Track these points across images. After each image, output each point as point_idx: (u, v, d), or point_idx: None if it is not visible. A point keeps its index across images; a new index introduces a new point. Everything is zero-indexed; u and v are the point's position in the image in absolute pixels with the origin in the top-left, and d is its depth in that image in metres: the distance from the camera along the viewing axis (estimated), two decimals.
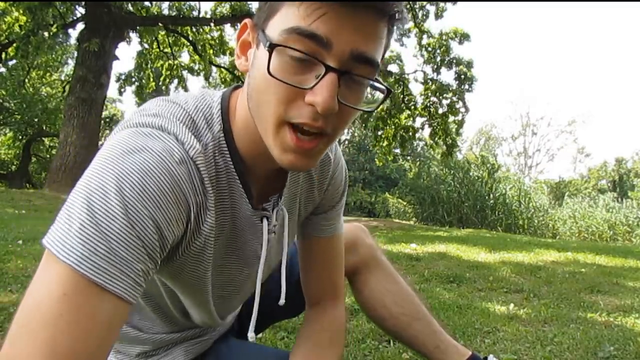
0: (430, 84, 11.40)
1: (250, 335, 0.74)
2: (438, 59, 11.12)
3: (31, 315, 0.46)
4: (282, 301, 0.76)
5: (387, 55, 0.63)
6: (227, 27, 11.95)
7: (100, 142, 12.81)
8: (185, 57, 13.23)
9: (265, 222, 0.70)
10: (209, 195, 0.60)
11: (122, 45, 15.92)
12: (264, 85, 0.53)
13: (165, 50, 12.31)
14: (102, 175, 0.50)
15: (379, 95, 0.58)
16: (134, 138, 0.53)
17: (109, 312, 0.47)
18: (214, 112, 0.62)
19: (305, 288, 0.90)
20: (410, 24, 10.38)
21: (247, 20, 0.59)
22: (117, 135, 0.55)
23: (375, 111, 0.61)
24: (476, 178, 12.19)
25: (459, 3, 10.33)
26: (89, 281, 0.46)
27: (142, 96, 13.35)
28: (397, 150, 13.14)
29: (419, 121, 11.92)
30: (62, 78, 16.19)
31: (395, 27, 0.56)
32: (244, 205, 0.66)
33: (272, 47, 0.51)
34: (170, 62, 12.40)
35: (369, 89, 0.58)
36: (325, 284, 0.88)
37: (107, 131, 16.75)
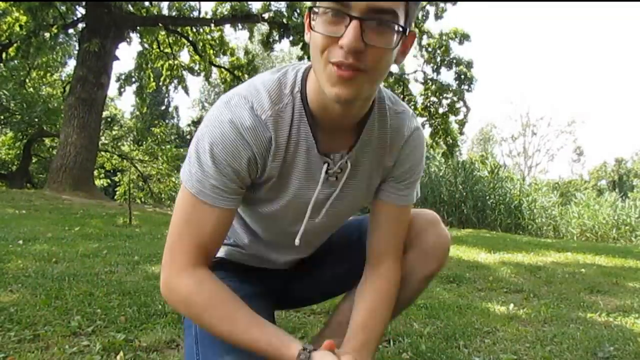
0: (430, 84, 11.39)
1: (297, 241, 0.96)
2: (438, 59, 11.10)
3: (175, 217, 0.86)
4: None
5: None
6: (227, 28, 11.95)
7: (100, 142, 12.79)
8: (185, 57, 13.23)
9: (325, 165, 0.88)
10: (276, 143, 0.83)
11: (122, 46, 15.91)
12: (312, 41, 0.74)
13: (166, 50, 12.30)
14: (202, 139, 0.81)
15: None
16: (223, 110, 0.81)
17: (214, 217, 0.84)
18: (298, 77, 0.85)
19: (368, 246, 1.03)
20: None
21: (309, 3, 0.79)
22: (220, 102, 0.83)
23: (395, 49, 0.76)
24: (479, 178, 12.16)
25: (459, 3, 10.33)
26: (201, 201, 0.83)
27: (142, 96, 13.34)
28: None
29: (419, 121, 11.89)
30: (63, 78, 16.18)
31: None
32: (313, 149, 0.87)
33: (309, 9, 0.73)
34: (170, 62, 12.39)
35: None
36: (385, 245, 1.01)
37: (108, 131, 16.74)
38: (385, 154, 0.94)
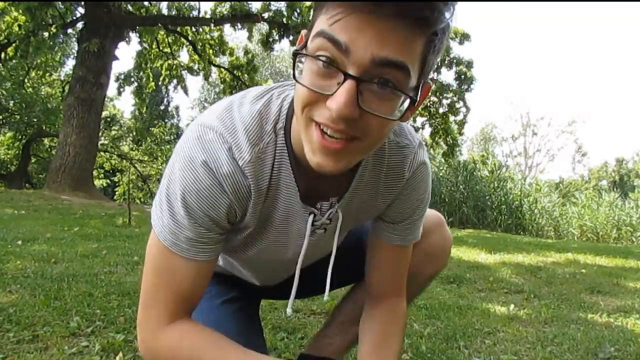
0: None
1: (289, 310, 0.81)
2: (438, 59, 11.08)
3: (147, 269, 0.76)
4: (325, 298, 0.82)
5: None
6: (227, 27, 11.94)
7: (99, 143, 12.79)
8: (184, 57, 13.22)
9: (310, 217, 0.76)
10: (256, 191, 0.71)
11: (121, 45, 15.88)
12: (297, 89, 0.57)
13: (165, 50, 12.29)
14: (174, 181, 0.69)
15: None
16: (197, 148, 0.67)
17: (192, 271, 0.73)
18: (283, 110, 0.70)
19: (369, 284, 0.93)
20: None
21: (303, 32, 0.61)
22: (193, 131, 0.68)
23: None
24: (480, 178, 12.15)
25: (459, 3, 10.32)
26: (176, 254, 0.72)
27: (141, 96, 13.34)
28: None
29: (419, 121, 11.92)
30: (62, 78, 16.17)
31: (437, 34, 0.56)
32: (294, 198, 0.74)
33: (294, 55, 0.55)
34: (169, 61, 12.38)
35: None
36: (387, 284, 0.91)
37: (107, 131, 16.74)
38: (378, 195, 0.80)
